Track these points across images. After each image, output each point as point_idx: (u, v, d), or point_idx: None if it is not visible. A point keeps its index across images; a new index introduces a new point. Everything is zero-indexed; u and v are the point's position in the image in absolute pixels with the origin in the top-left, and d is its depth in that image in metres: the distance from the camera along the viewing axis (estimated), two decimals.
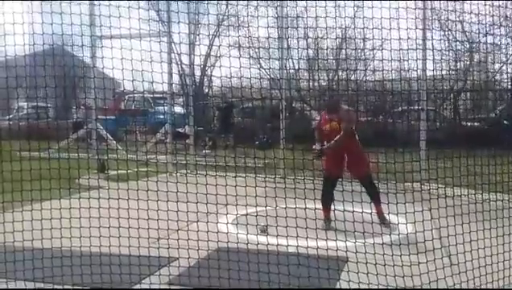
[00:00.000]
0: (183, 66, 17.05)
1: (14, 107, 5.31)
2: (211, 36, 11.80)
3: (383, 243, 4.45)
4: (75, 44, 4.56)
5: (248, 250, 4.33)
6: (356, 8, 5.48)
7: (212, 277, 4.09)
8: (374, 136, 9.74)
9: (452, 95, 13.97)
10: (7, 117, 6.41)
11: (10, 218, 4.46)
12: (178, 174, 7.16)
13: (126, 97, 17.08)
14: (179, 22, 4.79)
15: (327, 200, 6.05)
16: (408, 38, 4.68)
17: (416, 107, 10.43)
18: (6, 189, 4.42)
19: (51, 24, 4.26)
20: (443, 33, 12.16)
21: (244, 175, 4.74)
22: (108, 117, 12.40)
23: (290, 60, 12.31)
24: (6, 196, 4.43)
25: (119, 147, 8.62)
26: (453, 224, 4.15)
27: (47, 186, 4.46)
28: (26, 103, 7.85)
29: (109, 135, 11.32)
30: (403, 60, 5.65)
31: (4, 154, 4.50)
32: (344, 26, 6.41)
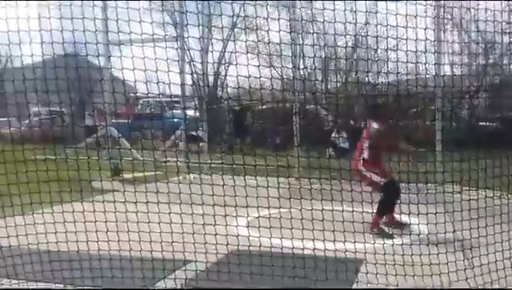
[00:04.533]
0: (197, 69, 17.12)
1: (30, 113, 5.36)
2: (224, 39, 11.81)
3: (396, 244, 4.40)
4: (89, 50, 4.58)
5: (264, 252, 4.30)
6: (368, 12, 5.45)
7: (226, 280, 4.08)
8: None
9: (467, 95, 13.83)
10: (24, 122, 6.48)
11: (30, 221, 4.47)
12: (192, 176, 7.17)
13: (140, 101, 17.18)
14: (194, 24, 4.81)
15: (390, 207, 5.92)
16: (427, 39, 4.63)
17: (431, 107, 10.32)
18: (29, 191, 4.43)
19: (61, 28, 4.27)
20: (457, 33, 12.04)
21: (260, 177, 4.71)
22: (121, 121, 12.48)
23: (303, 61, 12.27)
24: (27, 199, 4.44)
25: (133, 151, 8.67)
26: (473, 226, 4.10)
27: (61, 189, 4.49)
28: (41, 108, 7.93)
29: (123, 139, 11.39)
30: (417, 63, 5.59)
31: (18, 157, 4.53)
32: (356, 30, 6.36)
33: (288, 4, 9.45)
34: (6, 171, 4.34)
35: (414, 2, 4.25)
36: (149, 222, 4.26)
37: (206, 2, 5.96)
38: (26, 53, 4.44)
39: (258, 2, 5.12)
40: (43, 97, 4.87)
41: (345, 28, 4.43)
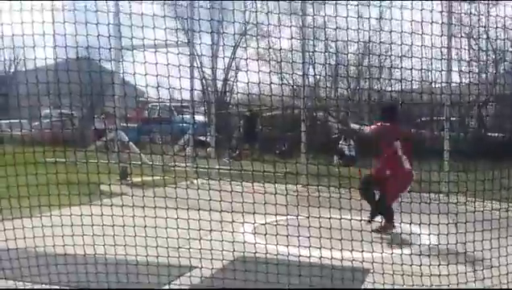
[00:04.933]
0: (206, 75, 17.18)
1: (41, 114, 5.42)
2: (235, 44, 11.87)
3: (401, 254, 4.37)
4: (101, 55, 4.62)
5: (269, 259, 4.28)
6: (379, 18, 5.44)
7: (231, 287, 4.07)
8: None
9: (476, 105, 13.74)
10: (35, 124, 6.53)
11: (38, 223, 4.49)
12: (199, 182, 7.17)
13: (149, 105, 17.26)
14: (203, 31, 4.83)
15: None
16: (443, 46, 4.59)
17: (440, 117, 10.28)
18: (38, 194, 4.45)
19: (76, 32, 4.31)
20: (468, 41, 11.97)
21: (267, 183, 4.71)
22: (131, 125, 12.53)
23: (312, 69, 12.28)
24: (36, 201, 4.46)
25: (142, 155, 8.69)
26: (480, 238, 4.07)
27: (69, 193, 4.51)
28: (53, 110, 7.98)
29: (131, 143, 11.42)
30: (427, 70, 5.56)
31: (29, 160, 4.57)
32: (367, 37, 6.35)
33: (298, 11, 9.46)
34: (16, 173, 4.37)
35: (423, 7, 4.24)
36: (156, 227, 4.27)
37: (217, 8, 5.98)
38: (39, 56, 4.49)
39: (268, 4, 5.13)
40: (54, 100, 4.92)
41: (358, 34, 4.42)
